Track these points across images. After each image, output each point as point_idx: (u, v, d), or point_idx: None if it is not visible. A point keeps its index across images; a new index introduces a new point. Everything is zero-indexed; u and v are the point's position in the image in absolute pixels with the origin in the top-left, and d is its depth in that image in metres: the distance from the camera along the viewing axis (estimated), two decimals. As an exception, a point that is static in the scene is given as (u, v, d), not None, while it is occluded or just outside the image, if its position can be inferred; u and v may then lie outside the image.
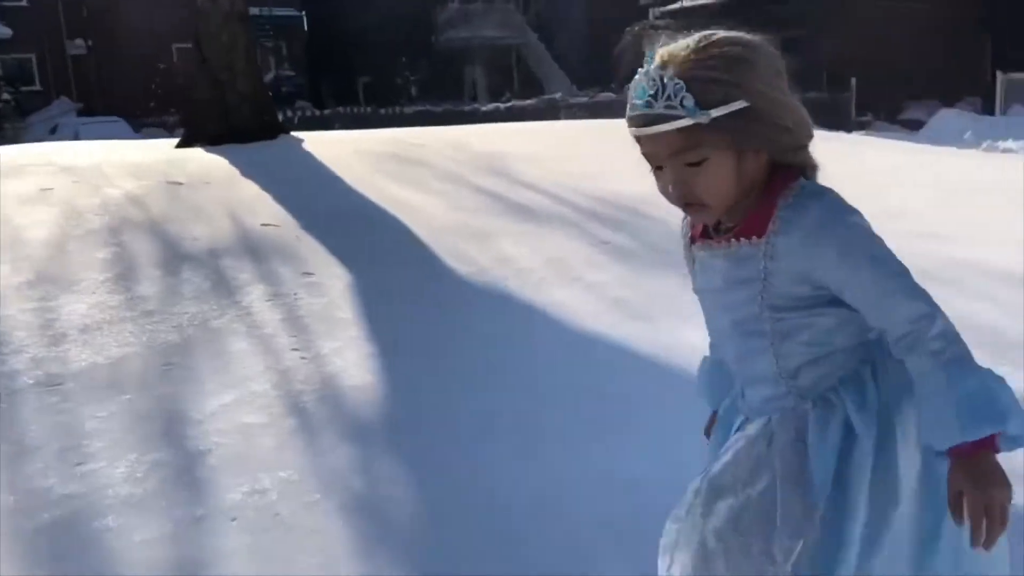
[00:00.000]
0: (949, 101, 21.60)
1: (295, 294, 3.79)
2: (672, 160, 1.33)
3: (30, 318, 3.55)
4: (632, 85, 1.34)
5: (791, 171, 1.39)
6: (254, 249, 4.41)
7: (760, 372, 1.47)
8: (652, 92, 1.30)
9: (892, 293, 1.31)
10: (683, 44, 1.34)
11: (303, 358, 3.19)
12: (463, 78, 31.58)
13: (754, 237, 1.38)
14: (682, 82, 1.29)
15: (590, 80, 23.79)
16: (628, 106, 1.34)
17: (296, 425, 2.74)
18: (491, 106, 22.62)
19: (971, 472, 1.25)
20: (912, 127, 20.14)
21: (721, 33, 1.36)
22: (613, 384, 3.08)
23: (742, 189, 1.37)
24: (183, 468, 2.50)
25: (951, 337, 1.29)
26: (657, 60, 1.33)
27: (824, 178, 1.38)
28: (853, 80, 20.46)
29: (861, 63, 20.67)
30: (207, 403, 2.86)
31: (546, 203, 5.39)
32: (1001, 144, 13.91)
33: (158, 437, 2.67)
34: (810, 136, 1.40)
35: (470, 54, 30.80)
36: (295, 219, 4.80)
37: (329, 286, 3.91)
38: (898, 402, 1.41)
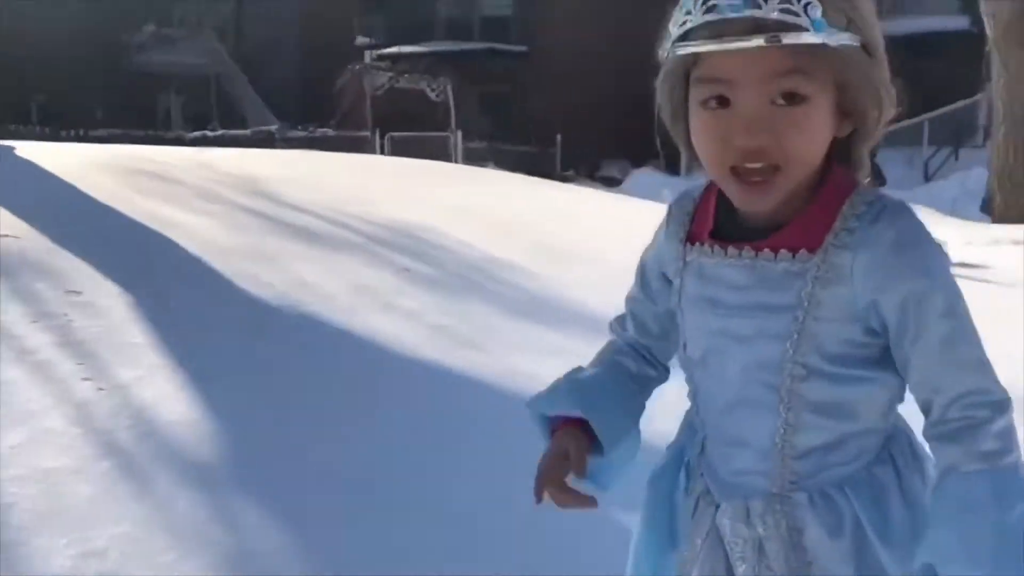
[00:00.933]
0: (637, 162, 23.71)
1: (65, 315, 3.13)
2: (762, 88, 0.96)
3: None
4: None
5: (844, 172, 1.05)
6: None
7: (750, 436, 1.09)
8: None
9: (962, 360, 0.98)
10: None
11: (100, 389, 2.60)
12: (156, 104, 29.68)
13: (802, 250, 1.01)
14: None
15: (303, 115, 23.23)
16: (695, 8, 0.96)
17: (115, 469, 2.20)
18: (197, 133, 21.30)
19: None
20: (609, 183, 21.78)
21: None
22: (451, 412, 2.85)
23: (814, 169, 1.02)
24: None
25: (1013, 440, 0.97)
26: None
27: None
28: (559, 137, 21.76)
29: (565, 122, 22.06)
30: (-12, 445, 2.22)
31: (329, 227, 5.02)
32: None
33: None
34: (884, 128, 1.06)
35: (165, 80, 29.02)
36: (39, 232, 4.04)
37: (106, 307, 3.28)
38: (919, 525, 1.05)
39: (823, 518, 1.05)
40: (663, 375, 1.24)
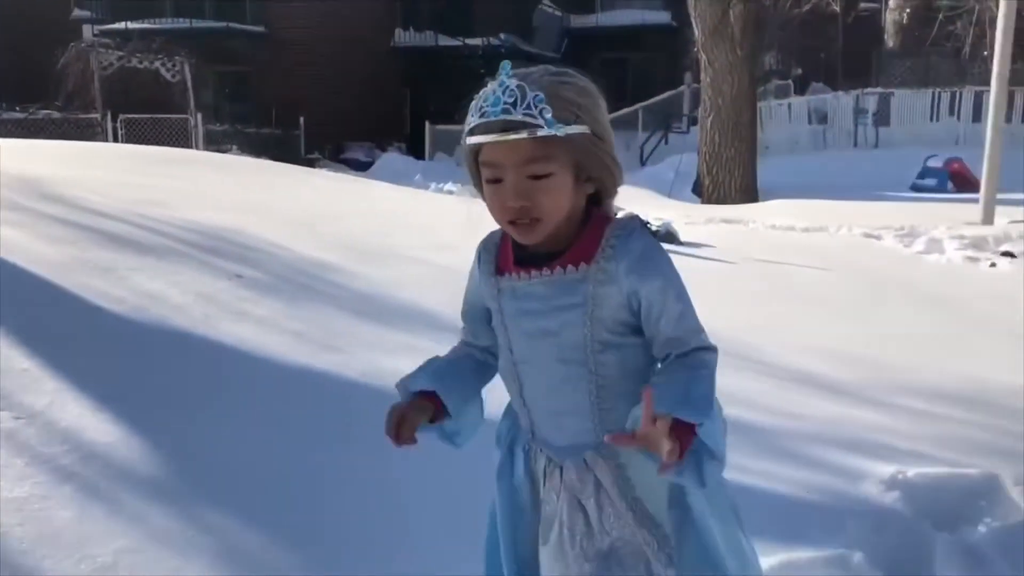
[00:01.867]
0: (381, 145, 24.03)
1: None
2: (518, 170, 1.40)
3: None
4: (481, 96, 1.41)
5: (601, 213, 1.51)
6: None
7: (572, 404, 1.50)
8: (510, 100, 1.37)
9: (689, 327, 1.47)
10: (534, 68, 1.44)
11: (18, 418, 2.70)
12: None
13: (582, 264, 1.46)
14: (542, 95, 1.37)
15: (16, 96, 21.23)
16: (474, 115, 1.41)
17: (79, 491, 2.38)
18: None
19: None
20: (354, 166, 21.92)
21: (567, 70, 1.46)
22: (332, 412, 3.17)
23: (568, 216, 1.46)
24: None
25: (713, 364, 1.46)
26: (512, 75, 1.40)
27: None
28: (302, 119, 21.59)
29: (307, 104, 21.91)
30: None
31: (143, 234, 5.02)
32: (445, 186, 16.09)
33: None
34: (621, 184, 1.52)
35: None
36: None
37: (-30, 335, 3.26)
38: None
39: (637, 451, 1.41)
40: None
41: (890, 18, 20.01)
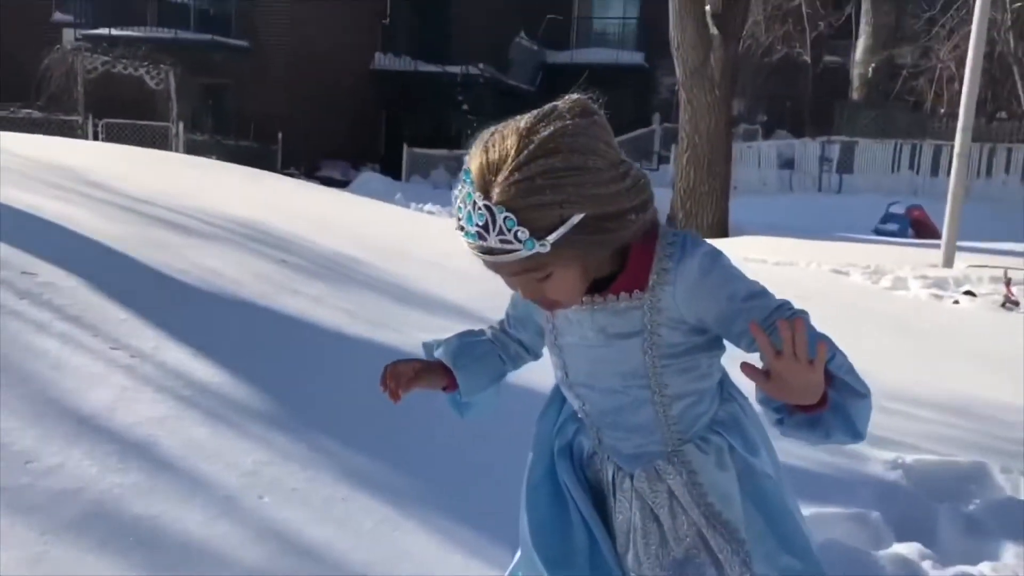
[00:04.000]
0: (355, 164, 24.30)
1: (46, 298, 3.35)
2: (516, 279, 1.34)
3: None
4: (456, 201, 1.29)
5: (647, 231, 1.39)
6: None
7: (639, 422, 1.48)
8: (481, 224, 1.23)
9: (762, 298, 1.37)
10: (501, 157, 1.24)
11: (133, 356, 2.97)
12: None
13: (636, 291, 1.39)
14: (511, 214, 1.22)
15: (-1, 95, 21.16)
16: (456, 220, 1.30)
17: (207, 416, 2.65)
18: None
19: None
20: (329, 183, 22.14)
21: (540, 130, 1.25)
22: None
23: (597, 272, 1.38)
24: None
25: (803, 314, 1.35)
26: (477, 182, 1.24)
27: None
28: (280, 134, 21.80)
29: (286, 120, 22.14)
30: None
31: (188, 221, 5.28)
32: (425, 206, 16.43)
33: None
34: (652, 198, 1.35)
35: None
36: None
37: (70, 289, 3.51)
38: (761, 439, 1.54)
39: (709, 456, 1.47)
40: (534, 357, 1.71)
41: (856, 71, 20.92)
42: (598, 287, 1.40)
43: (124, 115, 18.03)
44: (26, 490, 2.07)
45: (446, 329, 4.15)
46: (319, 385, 3.11)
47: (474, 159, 1.26)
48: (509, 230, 1.22)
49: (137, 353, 3.02)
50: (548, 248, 1.23)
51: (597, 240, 1.27)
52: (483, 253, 1.27)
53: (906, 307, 8.61)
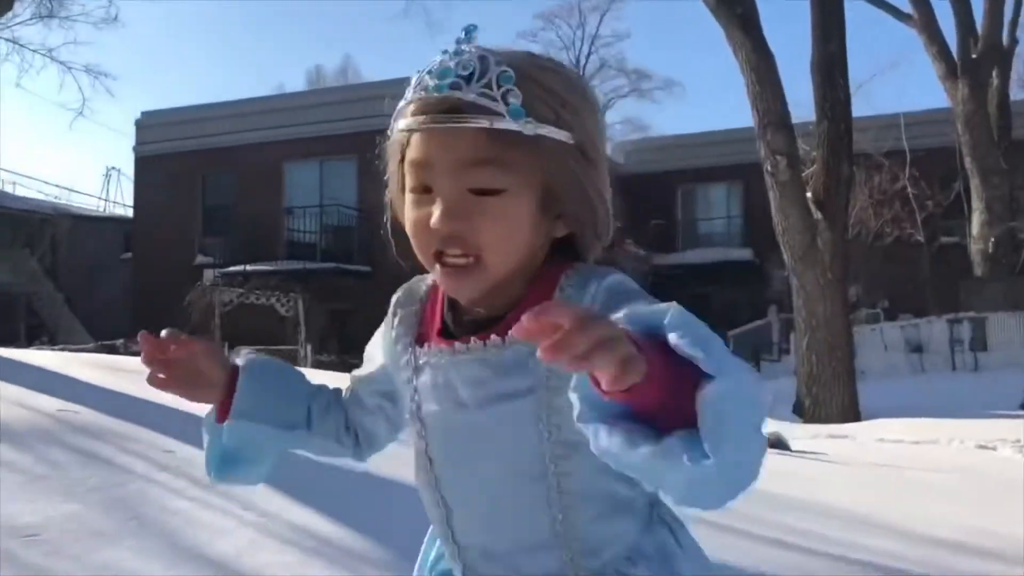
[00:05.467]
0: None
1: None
2: (456, 177, 0.97)
3: None
4: (428, 65, 0.99)
5: (563, 263, 1.04)
6: None
7: (527, 535, 1.03)
8: (465, 73, 0.95)
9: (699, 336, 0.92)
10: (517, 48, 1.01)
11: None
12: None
13: None
14: (511, 72, 0.95)
15: (148, 330, 22.80)
16: (412, 90, 0.99)
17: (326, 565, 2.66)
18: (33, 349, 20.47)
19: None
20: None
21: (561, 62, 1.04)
22: None
23: (522, 266, 1.02)
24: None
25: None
26: (476, 42, 0.99)
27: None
28: (401, 352, 22.53)
29: (407, 337, 22.90)
30: None
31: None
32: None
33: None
34: (608, 235, 1.05)
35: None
36: None
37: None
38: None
39: None
40: (351, 448, 1.22)
41: (975, 247, 20.54)
42: (479, 326, 1.03)
43: (255, 341, 19.10)
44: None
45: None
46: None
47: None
48: (499, 84, 0.94)
49: (264, 513, 3.09)
50: (531, 132, 0.94)
51: (573, 178, 0.98)
52: (443, 112, 0.95)
53: (1067, 477, 7.96)
